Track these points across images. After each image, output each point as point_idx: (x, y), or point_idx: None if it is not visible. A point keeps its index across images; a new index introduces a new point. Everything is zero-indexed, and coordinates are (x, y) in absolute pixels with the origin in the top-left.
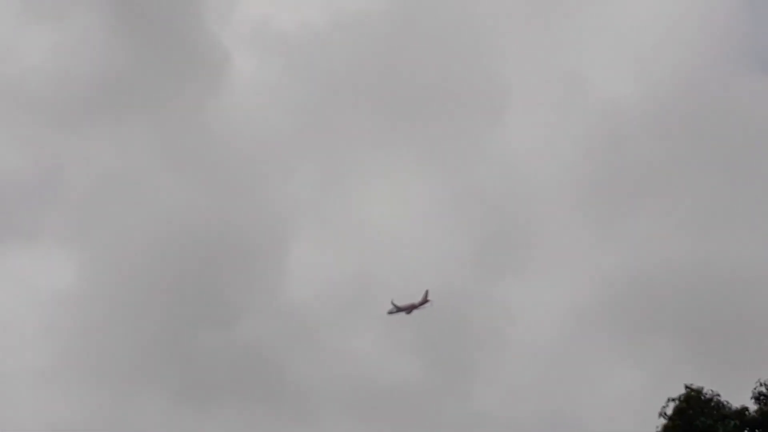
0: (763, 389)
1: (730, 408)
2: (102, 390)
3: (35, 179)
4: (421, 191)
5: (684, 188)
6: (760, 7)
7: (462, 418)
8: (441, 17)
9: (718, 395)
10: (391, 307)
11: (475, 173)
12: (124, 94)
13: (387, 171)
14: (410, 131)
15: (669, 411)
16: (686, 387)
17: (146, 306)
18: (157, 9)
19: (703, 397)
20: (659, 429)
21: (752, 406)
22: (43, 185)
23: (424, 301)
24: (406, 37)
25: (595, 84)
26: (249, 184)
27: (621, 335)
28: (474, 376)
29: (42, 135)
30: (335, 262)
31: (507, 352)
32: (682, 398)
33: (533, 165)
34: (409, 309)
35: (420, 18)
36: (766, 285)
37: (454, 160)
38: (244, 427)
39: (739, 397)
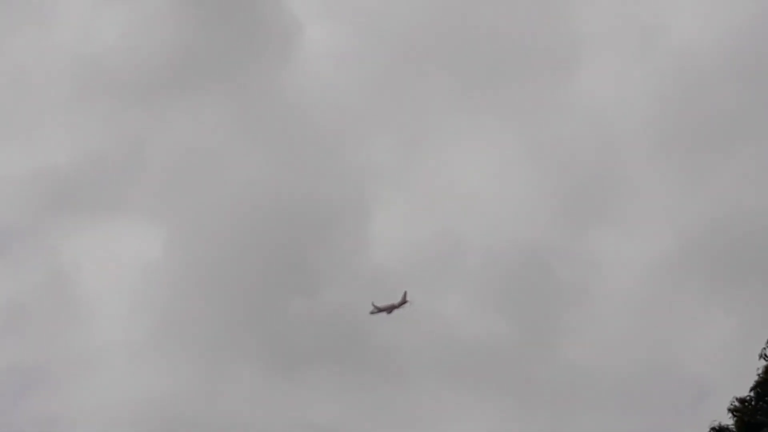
0: None
1: None
2: (194, 360)
3: (119, 156)
4: (499, 149)
5: (764, 133)
6: None
7: (551, 371)
8: None
9: None
10: (372, 308)
11: (553, 128)
12: (199, 68)
13: (463, 131)
14: (484, 90)
15: None
16: None
17: (233, 276)
18: None
19: None
20: (760, 371)
21: None
22: (126, 161)
23: (403, 301)
24: None
25: (670, 31)
26: (327, 152)
27: (709, 282)
28: (562, 329)
29: (122, 112)
30: (417, 224)
31: (594, 304)
32: None
33: (611, 116)
34: (390, 309)
35: None
36: None
37: (530, 116)
38: (335, 390)
39: None
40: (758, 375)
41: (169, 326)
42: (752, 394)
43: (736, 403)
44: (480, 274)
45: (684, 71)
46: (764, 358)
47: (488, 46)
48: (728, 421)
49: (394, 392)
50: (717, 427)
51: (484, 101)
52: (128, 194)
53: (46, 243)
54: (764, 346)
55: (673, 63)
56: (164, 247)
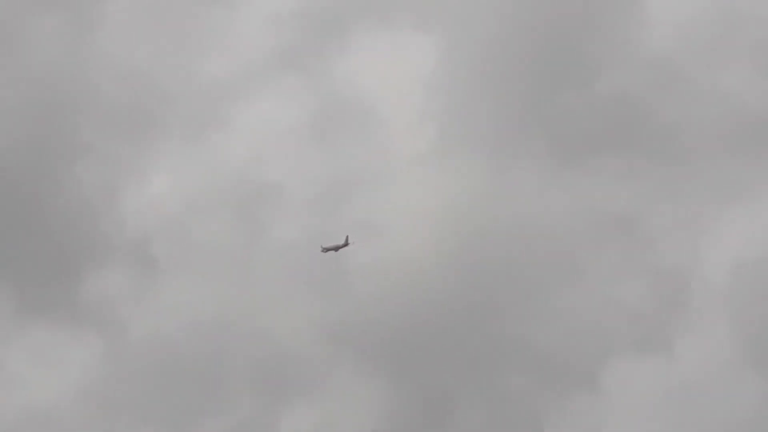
0: None
1: None
2: (481, 162)
3: None
4: None
5: None
6: None
7: None
8: None
9: None
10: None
11: None
12: None
13: None
14: None
15: None
16: None
17: (508, 76)
18: None
19: None
20: None
21: None
22: None
23: (346, 243)
24: None
25: None
26: None
27: None
28: None
29: None
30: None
31: None
32: None
33: None
34: (336, 248)
35: None
36: None
37: None
38: (624, 176)
39: None
40: None
41: (452, 133)
42: None
43: None
44: (764, 43)
45: None
46: None
47: None
48: None
49: (683, 172)
50: None
51: None
52: (396, 10)
53: (323, 67)
54: None
55: None
56: (438, 55)
